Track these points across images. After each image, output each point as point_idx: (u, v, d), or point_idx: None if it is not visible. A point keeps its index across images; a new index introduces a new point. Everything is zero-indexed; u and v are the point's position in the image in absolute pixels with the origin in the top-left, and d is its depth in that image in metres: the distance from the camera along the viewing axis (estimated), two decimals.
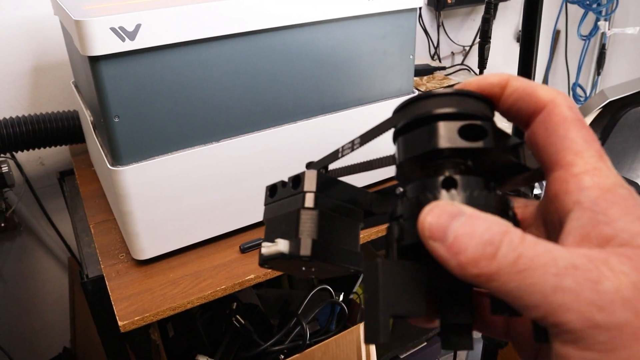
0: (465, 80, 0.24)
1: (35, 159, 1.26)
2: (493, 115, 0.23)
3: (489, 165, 0.24)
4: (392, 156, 0.26)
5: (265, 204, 0.28)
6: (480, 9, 1.76)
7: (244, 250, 0.79)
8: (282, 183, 0.27)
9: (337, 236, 0.26)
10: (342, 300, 1.02)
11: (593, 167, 0.20)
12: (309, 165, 0.28)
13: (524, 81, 0.22)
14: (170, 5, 0.67)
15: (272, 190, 0.28)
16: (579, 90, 2.13)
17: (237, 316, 0.91)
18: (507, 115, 0.23)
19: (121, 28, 0.64)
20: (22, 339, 1.41)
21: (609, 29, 1.94)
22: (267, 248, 0.26)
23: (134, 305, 0.71)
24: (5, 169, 1.09)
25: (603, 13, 1.97)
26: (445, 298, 0.24)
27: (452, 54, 1.85)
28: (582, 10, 1.95)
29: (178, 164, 0.73)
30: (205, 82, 0.72)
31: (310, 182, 0.26)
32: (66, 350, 1.44)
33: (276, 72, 0.77)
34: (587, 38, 2.04)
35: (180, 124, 0.72)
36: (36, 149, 1.11)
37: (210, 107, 0.73)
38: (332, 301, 1.00)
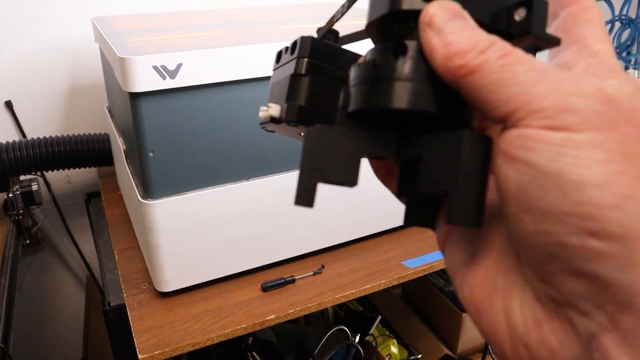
0: None
1: (63, 178, 1.28)
2: None
3: None
4: None
5: (273, 69, 0.28)
6: None
7: (265, 289, 0.80)
8: (286, 49, 0.27)
9: (329, 102, 0.25)
10: (358, 342, 1.01)
11: (608, 51, 0.20)
12: (318, 31, 0.28)
13: None
14: (210, 47, 0.69)
15: (278, 56, 0.28)
16: None
17: (253, 352, 0.91)
18: None
19: (163, 67, 0.66)
20: (35, 353, 1.42)
21: (638, 78, 1.93)
22: (263, 112, 0.26)
23: (154, 339, 0.71)
24: (35, 187, 1.11)
25: (632, 62, 1.97)
26: (405, 169, 0.23)
27: None
28: None
29: (208, 200, 0.74)
30: (239, 122, 0.73)
31: (303, 49, 0.25)
32: None
33: None
34: None
35: (212, 161, 0.73)
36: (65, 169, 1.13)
37: (242, 146, 0.74)
38: (347, 343, 0.99)
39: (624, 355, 0.15)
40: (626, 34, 1.90)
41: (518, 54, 0.18)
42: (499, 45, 0.18)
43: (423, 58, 0.20)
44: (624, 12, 1.87)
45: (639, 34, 1.91)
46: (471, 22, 0.19)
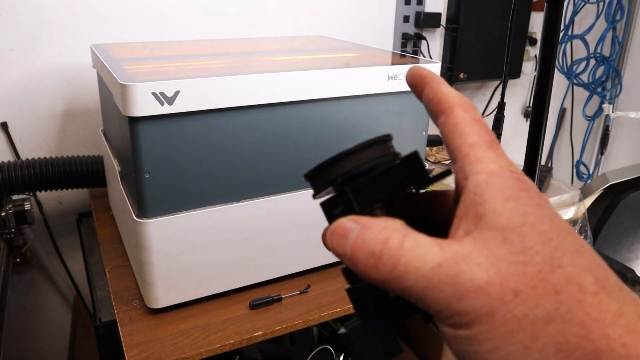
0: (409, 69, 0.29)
1: (54, 198, 1.30)
2: (385, 147, 0.27)
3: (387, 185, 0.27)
4: None
5: None
6: (490, 84, 1.84)
7: (253, 306, 0.83)
8: None
9: None
10: None
11: (482, 155, 0.23)
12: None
13: (435, 85, 0.26)
14: (206, 75, 0.73)
15: None
16: (582, 168, 2.19)
17: None
18: (426, 107, 0.27)
19: (162, 93, 0.70)
20: None
21: (612, 112, 2.01)
22: None
23: (144, 353, 0.74)
24: (27, 206, 1.14)
25: (607, 97, 2.05)
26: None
27: None
28: (587, 92, 2.04)
29: (200, 220, 0.78)
30: (232, 146, 0.77)
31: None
32: None
33: (298, 141, 0.82)
34: (591, 119, 2.11)
35: (205, 183, 0.77)
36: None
37: (235, 169, 0.78)
38: None
39: None
40: (600, 70, 1.99)
41: (403, 260, 0.22)
42: (386, 258, 0.22)
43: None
44: (598, 50, 1.96)
45: (612, 71, 2.00)
46: (363, 220, 0.24)
